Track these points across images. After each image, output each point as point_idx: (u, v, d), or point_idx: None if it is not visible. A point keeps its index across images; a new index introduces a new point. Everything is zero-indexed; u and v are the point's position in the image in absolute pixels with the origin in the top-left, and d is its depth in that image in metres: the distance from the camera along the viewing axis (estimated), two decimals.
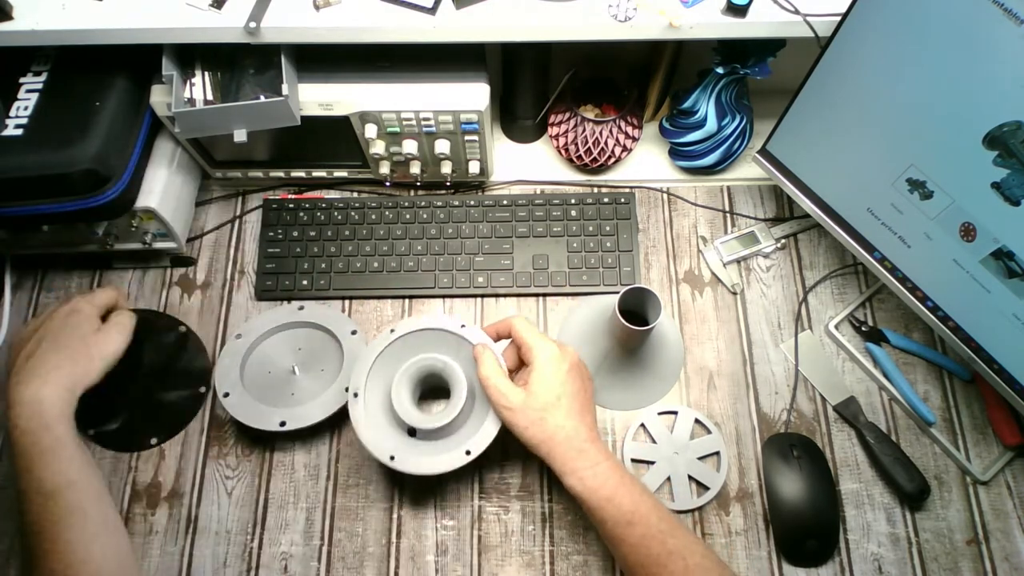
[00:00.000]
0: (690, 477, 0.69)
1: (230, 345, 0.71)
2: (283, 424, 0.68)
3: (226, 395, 0.69)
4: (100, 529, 0.56)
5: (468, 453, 0.61)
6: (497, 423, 0.61)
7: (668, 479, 0.69)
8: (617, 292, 0.65)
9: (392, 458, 0.61)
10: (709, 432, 0.71)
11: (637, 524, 0.54)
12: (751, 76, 0.69)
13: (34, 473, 0.54)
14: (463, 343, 0.65)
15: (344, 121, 0.70)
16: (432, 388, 0.70)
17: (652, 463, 0.70)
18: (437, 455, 0.62)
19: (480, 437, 0.62)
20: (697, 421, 0.71)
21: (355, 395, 0.63)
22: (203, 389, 0.73)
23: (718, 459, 0.70)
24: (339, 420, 0.71)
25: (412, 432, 0.64)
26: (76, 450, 0.57)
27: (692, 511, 0.68)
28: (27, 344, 0.61)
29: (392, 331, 0.66)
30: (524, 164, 0.85)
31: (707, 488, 0.68)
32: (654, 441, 0.71)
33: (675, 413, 0.72)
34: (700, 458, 0.70)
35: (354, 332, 0.72)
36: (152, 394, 0.73)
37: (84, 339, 0.61)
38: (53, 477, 0.55)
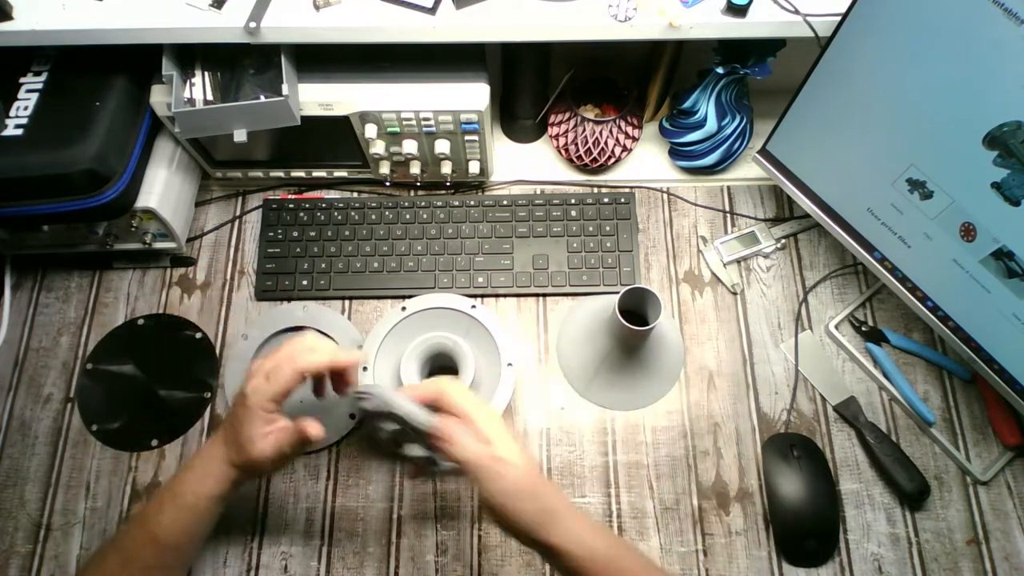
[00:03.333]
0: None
1: (238, 347, 0.71)
2: None
3: None
4: None
5: None
6: (503, 404, 0.63)
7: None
8: (617, 292, 0.65)
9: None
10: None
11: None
12: (751, 76, 0.69)
13: (173, 525, 0.56)
14: (473, 323, 0.66)
15: (344, 121, 0.70)
16: (440, 367, 0.71)
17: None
18: None
19: None
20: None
21: (364, 368, 0.65)
22: (208, 395, 0.73)
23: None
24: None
25: None
26: (211, 525, 0.58)
27: None
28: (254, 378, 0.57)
29: (403, 309, 0.67)
30: (524, 164, 0.85)
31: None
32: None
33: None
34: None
35: (364, 369, 0.70)
36: (158, 396, 0.73)
37: (243, 427, 0.56)
38: (181, 535, 0.56)
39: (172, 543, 0.56)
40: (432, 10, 0.62)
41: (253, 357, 0.71)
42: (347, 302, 0.78)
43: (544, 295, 0.78)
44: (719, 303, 0.77)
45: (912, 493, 0.67)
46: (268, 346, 0.72)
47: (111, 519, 0.69)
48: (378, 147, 0.73)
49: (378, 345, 0.66)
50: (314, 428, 0.57)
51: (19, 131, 0.63)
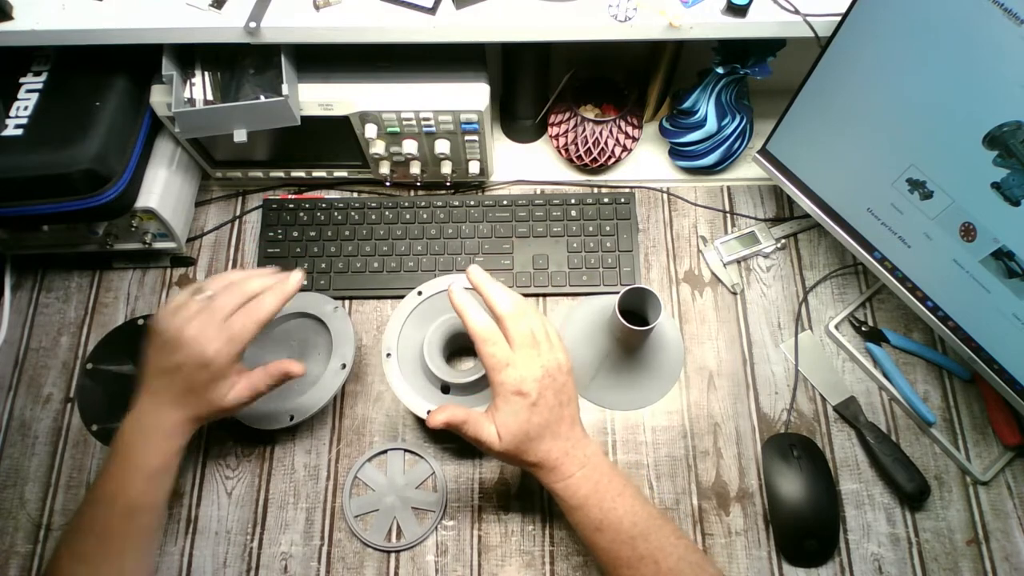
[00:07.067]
0: (414, 508, 0.68)
1: None
2: (292, 418, 0.68)
3: None
4: (151, 549, 0.58)
5: None
6: None
7: (395, 519, 0.68)
8: (617, 292, 0.65)
9: (428, 412, 0.62)
10: (421, 457, 0.70)
11: (605, 531, 0.54)
12: (751, 76, 0.69)
13: (129, 489, 0.54)
14: None
15: (344, 121, 0.70)
16: (461, 348, 0.72)
17: (376, 511, 0.68)
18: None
19: None
20: (407, 452, 0.70)
21: (387, 355, 0.65)
22: None
23: (434, 479, 0.69)
24: (339, 420, 0.71)
25: (445, 389, 0.66)
26: (172, 477, 0.57)
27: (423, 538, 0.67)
28: (178, 313, 0.55)
29: (419, 293, 0.68)
30: (524, 164, 0.85)
31: (432, 511, 0.68)
32: (373, 489, 0.69)
33: (384, 453, 0.70)
34: (417, 487, 0.69)
35: (335, 308, 0.72)
36: None
37: (207, 388, 0.56)
38: (144, 498, 0.55)
39: (150, 505, 0.55)
40: (432, 10, 0.62)
41: (247, 362, 0.71)
42: (347, 302, 0.78)
43: (544, 295, 0.78)
44: (719, 303, 0.77)
45: (912, 493, 0.67)
46: (261, 347, 0.72)
47: None
48: (378, 147, 0.73)
49: (399, 331, 0.66)
50: (297, 367, 0.59)
51: (19, 131, 0.63)
